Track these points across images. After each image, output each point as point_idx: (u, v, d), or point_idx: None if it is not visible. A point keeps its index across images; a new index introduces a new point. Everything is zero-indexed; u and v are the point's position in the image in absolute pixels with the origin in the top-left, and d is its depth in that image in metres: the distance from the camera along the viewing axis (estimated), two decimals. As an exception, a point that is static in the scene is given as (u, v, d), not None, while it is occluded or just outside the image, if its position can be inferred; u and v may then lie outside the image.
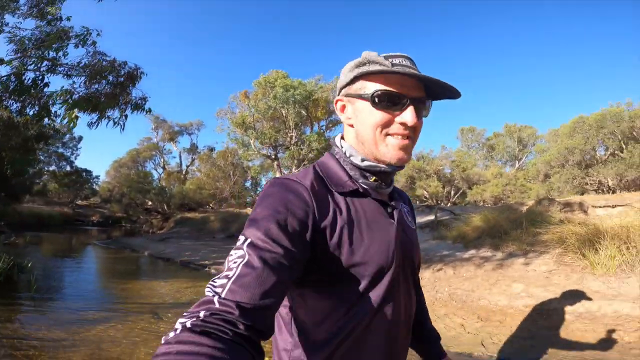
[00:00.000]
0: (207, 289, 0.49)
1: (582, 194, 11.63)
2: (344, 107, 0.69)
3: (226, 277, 0.49)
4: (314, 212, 0.58)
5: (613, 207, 7.28)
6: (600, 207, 7.36)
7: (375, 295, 0.61)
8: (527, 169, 17.51)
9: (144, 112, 6.79)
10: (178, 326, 0.43)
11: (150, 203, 23.15)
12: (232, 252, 0.53)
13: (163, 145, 29.89)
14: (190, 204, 22.69)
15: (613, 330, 3.06)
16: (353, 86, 0.66)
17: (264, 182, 21.42)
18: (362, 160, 0.66)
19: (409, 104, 0.62)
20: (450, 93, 0.65)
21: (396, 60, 0.62)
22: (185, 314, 0.45)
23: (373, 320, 0.61)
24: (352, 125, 0.68)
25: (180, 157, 29.72)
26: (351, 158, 0.67)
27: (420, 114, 0.64)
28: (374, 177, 0.67)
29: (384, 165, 0.66)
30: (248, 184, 23.51)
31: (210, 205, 23.12)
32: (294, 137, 15.45)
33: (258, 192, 22.51)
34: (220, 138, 55.95)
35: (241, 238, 0.54)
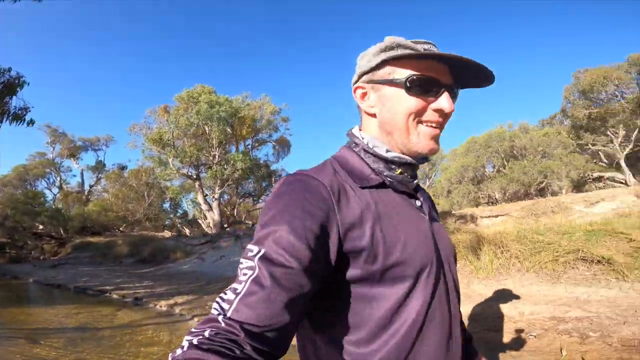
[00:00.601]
0: (214, 304, 0.46)
1: (477, 206, 13.45)
2: (365, 94, 0.64)
3: (234, 291, 0.46)
4: (335, 212, 0.52)
5: (496, 216, 8.62)
6: (486, 217, 8.65)
7: (423, 296, 0.55)
8: (435, 186, 19.69)
9: (25, 124, 5.94)
10: (185, 343, 0.42)
11: (41, 227, 19.67)
12: (243, 260, 0.49)
13: (61, 162, 26.09)
14: (93, 227, 20.00)
15: (494, 330, 3.19)
16: (379, 72, 0.61)
17: (184, 203, 20.13)
18: (387, 151, 0.61)
19: (444, 90, 0.59)
20: (480, 80, 0.62)
21: (425, 46, 0.58)
22: (192, 330, 0.43)
23: (425, 325, 0.55)
24: (374, 115, 0.63)
25: (82, 175, 26.23)
26: (375, 149, 0.61)
27: (454, 101, 0.61)
28: (399, 170, 0.62)
29: (409, 158, 0.62)
30: (166, 205, 21.67)
31: (120, 228, 20.65)
32: (217, 156, 14.88)
33: (178, 214, 21.02)
34: (134, 155, 50.99)
35: (253, 248, 0.49)
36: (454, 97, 0.61)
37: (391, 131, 0.61)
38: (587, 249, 4.22)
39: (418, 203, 0.65)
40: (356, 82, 0.65)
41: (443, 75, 0.59)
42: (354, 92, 0.65)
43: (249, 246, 0.50)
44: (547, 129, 16.31)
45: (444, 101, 0.58)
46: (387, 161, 0.61)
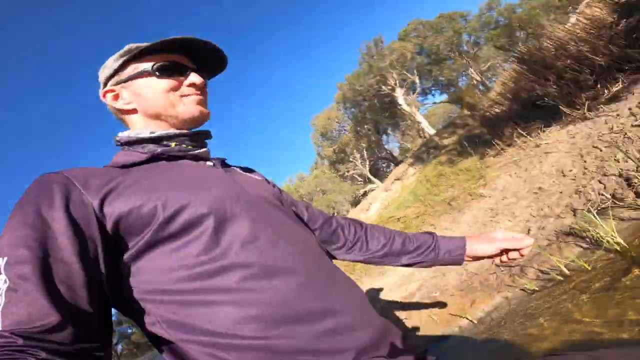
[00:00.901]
0: None
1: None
2: (117, 95, 0.65)
3: None
4: (79, 190, 0.48)
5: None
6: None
7: (239, 226, 0.53)
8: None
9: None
10: None
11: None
12: None
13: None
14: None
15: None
16: (124, 72, 0.64)
17: None
18: (151, 132, 0.62)
19: (190, 70, 0.65)
20: (217, 63, 0.70)
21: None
22: None
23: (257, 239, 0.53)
24: (134, 110, 0.64)
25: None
26: (137, 136, 0.61)
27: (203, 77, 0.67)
28: (173, 143, 0.63)
29: (178, 130, 0.64)
30: None
31: None
32: None
33: None
34: None
35: None
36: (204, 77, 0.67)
37: (158, 111, 0.63)
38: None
39: (209, 164, 0.65)
40: (104, 88, 0.66)
41: (186, 62, 0.65)
42: (104, 97, 0.65)
43: None
44: (315, 173, 19.80)
45: (193, 77, 0.64)
46: (155, 140, 0.62)
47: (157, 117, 0.63)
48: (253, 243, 0.51)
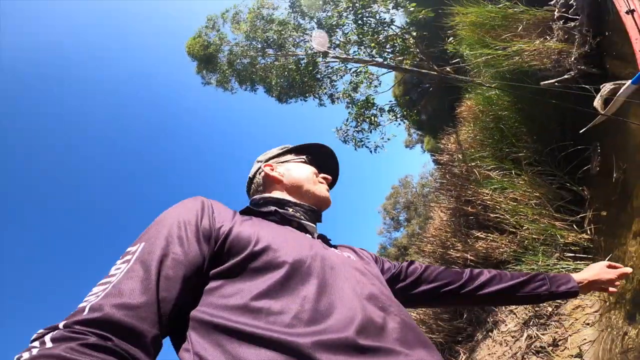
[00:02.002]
0: None
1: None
2: (273, 168, 0.87)
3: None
4: (209, 214, 0.62)
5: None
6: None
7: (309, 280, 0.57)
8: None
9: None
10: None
11: None
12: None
13: None
14: None
15: None
16: (281, 157, 0.91)
17: None
18: (282, 197, 0.81)
19: (322, 167, 0.92)
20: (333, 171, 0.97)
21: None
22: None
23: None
24: (280, 181, 0.84)
25: None
26: (269, 196, 0.83)
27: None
28: (291, 209, 0.77)
29: (298, 201, 0.81)
30: None
31: None
32: None
33: None
34: None
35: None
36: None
37: (300, 184, 0.83)
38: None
39: (309, 236, 0.72)
40: (266, 162, 0.90)
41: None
42: (264, 167, 0.87)
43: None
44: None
45: (323, 174, 0.90)
46: (278, 202, 0.79)
47: (297, 189, 0.82)
48: (313, 301, 0.53)
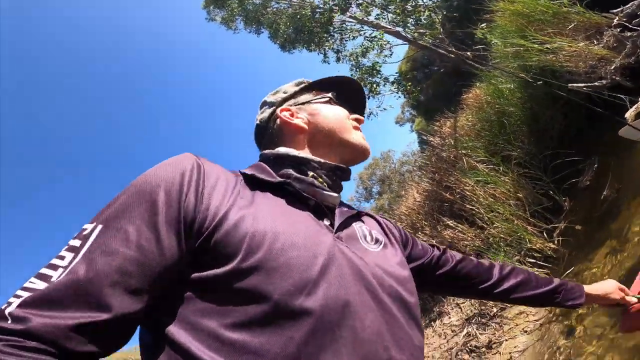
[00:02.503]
0: None
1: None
2: (292, 114, 0.68)
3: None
4: (197, 188, 0.45)
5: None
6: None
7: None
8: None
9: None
10: None
11: None
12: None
13: None
14: None
15: None
16: (300, 97, 0.70)
17: None
18: (300, 154, 0.61)
19: (349, 107, 0.71)
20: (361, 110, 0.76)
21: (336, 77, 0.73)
22: None
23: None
24: (303, 129, 0.65)
25: None
26: (285, 153, 0.61)
27: None
28: (311, 173, 0.59)
29: (323, 160, 0.61)
30: None
31: None
32: None
33: None
34: None
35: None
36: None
37: (331, 132, 0.65)
38: None
39: (327, 223, 0.55)
40: (281, 104, 0.69)
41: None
42: (280, 113, 0.67)
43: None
44: None
45: (357, 114, 0.71)
46: (297, 161, 0.60)
47: (327, 139, 0.64)
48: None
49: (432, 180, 4.88)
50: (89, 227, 0.41)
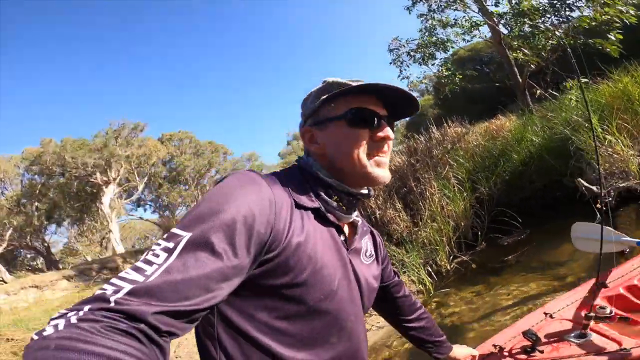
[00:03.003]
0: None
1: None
2: (312, 137, 0.68)
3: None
4: (272, 225, 0.54)
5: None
6: None
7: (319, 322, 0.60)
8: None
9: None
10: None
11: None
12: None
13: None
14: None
15: None
16: (321, 112, 0.66)
17: None
18: (328, 176, 0.65)
19: (383, 120, 0.65)
20: (406, 109, 0.69)
21: (360, 83, 0.63)
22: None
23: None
24: (324, 155, 0.66)
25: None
26: (318, 173, 0.65)
27: (393, 130, 0.68)
28: (335, 197, 0.65)
29: (352, 189, 0.65)
30: None
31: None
32: None
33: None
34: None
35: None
36: (391, 127, 0.67)
37: (342, 166, 0.64)
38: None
39: (343, 238, 0.66)
40: (303, 126, 0.70)
41: (378, 107, 0.65)
42: (302, 137, 0.69)
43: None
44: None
45: (385, 130, 0.64)
46: (324, 185, 0.65)
47: (342, 167, 0.64)
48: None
49: (408, 163, 5.08)
50: (181, 233, 0.47)
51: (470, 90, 8.75)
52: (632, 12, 5.64)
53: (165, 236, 0.48)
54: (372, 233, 0.80)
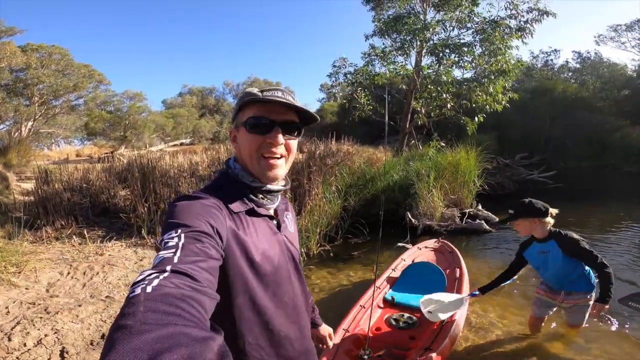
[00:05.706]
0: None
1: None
2: (235, 137, 0.80)
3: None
4: (225, 225, 0.68)
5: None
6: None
7: (271, 289, 0.77)
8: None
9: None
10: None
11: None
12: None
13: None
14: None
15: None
16: (237, 117, 0.78)
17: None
18: (252, 181, 0.77)
19: (276, 127, 0.74)
20: (310, 118, 0.82)
21: (269, 93, 0.74)
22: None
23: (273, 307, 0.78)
24: (239, 153, 0.80)
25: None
26: (242, 179, 0.78)
27: (291, 135, 0.78)
28: (260, 195, 0.79)
29: (269, 185, 0.79)
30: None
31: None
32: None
33: None
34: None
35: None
36: (294, 131, 0.78)
37: (246, 165, 0.78)
38: None
39: (275, 222, 0.83)
40: (232, 122, 0.83)
41: (279, 114, 0.75)
42: (230, 136, 0.83)
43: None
44: None
45: (273, 136, 0.74)
46: (252, 189, 0.78)
47: (247, 166, 0.78)
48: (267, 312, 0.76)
49: (306, 163, 5.84)
50: (174, 233, 0.57)
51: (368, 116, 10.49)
52: (504, 102, 7.88)
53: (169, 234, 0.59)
54: (287, 206, 0.92)
